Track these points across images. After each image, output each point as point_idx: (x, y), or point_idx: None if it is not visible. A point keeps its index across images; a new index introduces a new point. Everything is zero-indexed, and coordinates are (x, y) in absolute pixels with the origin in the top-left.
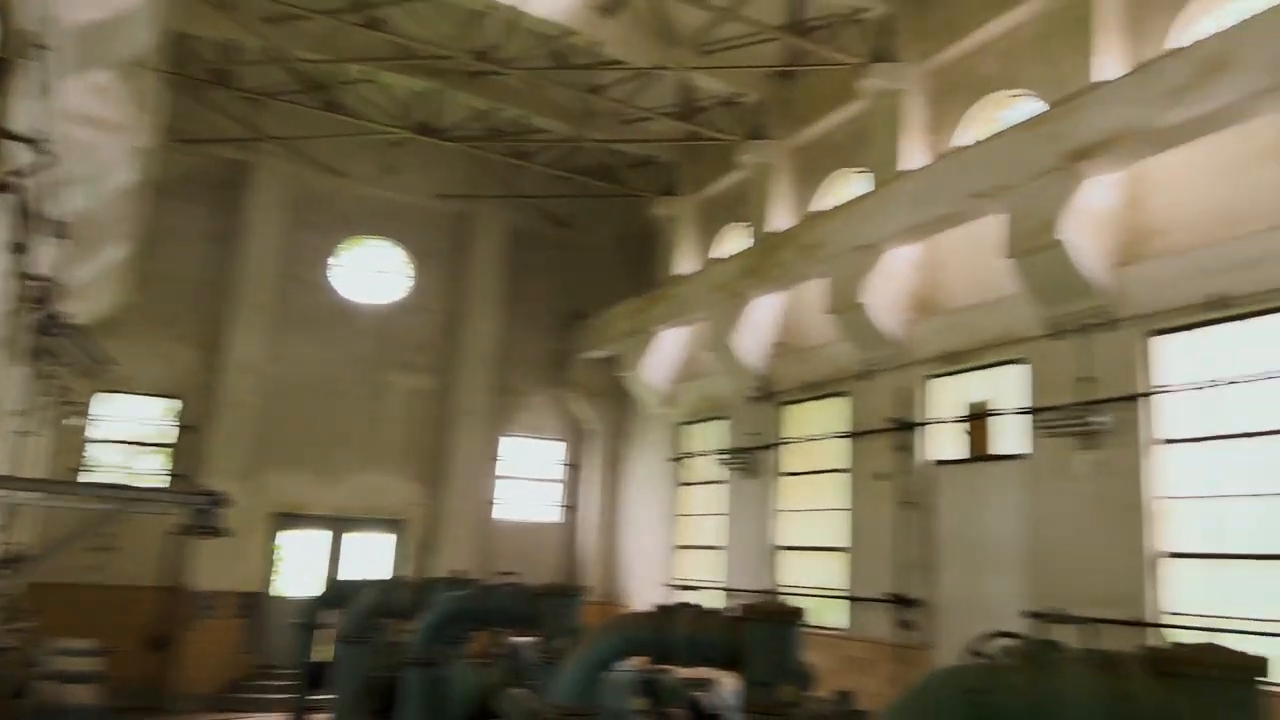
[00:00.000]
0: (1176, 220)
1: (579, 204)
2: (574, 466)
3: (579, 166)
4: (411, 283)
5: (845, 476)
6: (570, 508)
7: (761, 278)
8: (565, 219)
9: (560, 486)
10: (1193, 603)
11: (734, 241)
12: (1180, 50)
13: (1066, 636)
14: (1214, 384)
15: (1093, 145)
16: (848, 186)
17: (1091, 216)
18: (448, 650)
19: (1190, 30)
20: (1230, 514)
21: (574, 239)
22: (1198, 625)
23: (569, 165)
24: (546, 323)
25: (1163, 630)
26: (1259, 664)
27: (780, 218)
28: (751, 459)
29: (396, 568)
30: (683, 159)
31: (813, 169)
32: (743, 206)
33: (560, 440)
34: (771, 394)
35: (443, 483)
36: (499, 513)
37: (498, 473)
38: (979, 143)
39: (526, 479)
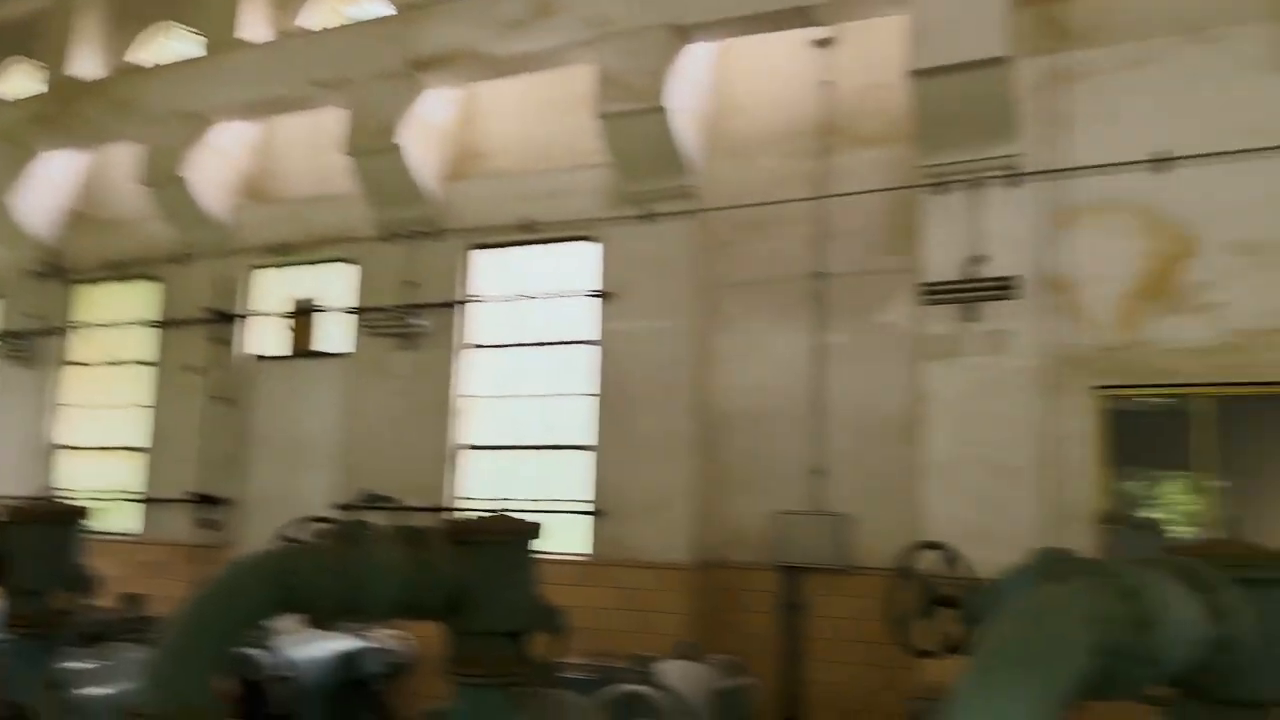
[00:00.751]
0: (500, 145)
1: None
2: None
3: None
4: None
5: (149, 369)
6: None
7: (57, 129)
8: None
9: None
10: (486, 488)
11: (19, 80)
12: None
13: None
14: (518, 297)
15: (434, 58)
16: (174, 44)
17: (429, 128)
18: None
19: None
20: (520, 410)
21: None
22: (490, 508)
23: None
24: None
25: (460, 513)
26: (533, 529)
27: (86, 63)
28: (29, 345)
29: None
30: None
31: (132, 15)
32: (34, 40)
33: None
34: (62, 270)
35: None
36: None
37: None
38: (326, 30)
39: None
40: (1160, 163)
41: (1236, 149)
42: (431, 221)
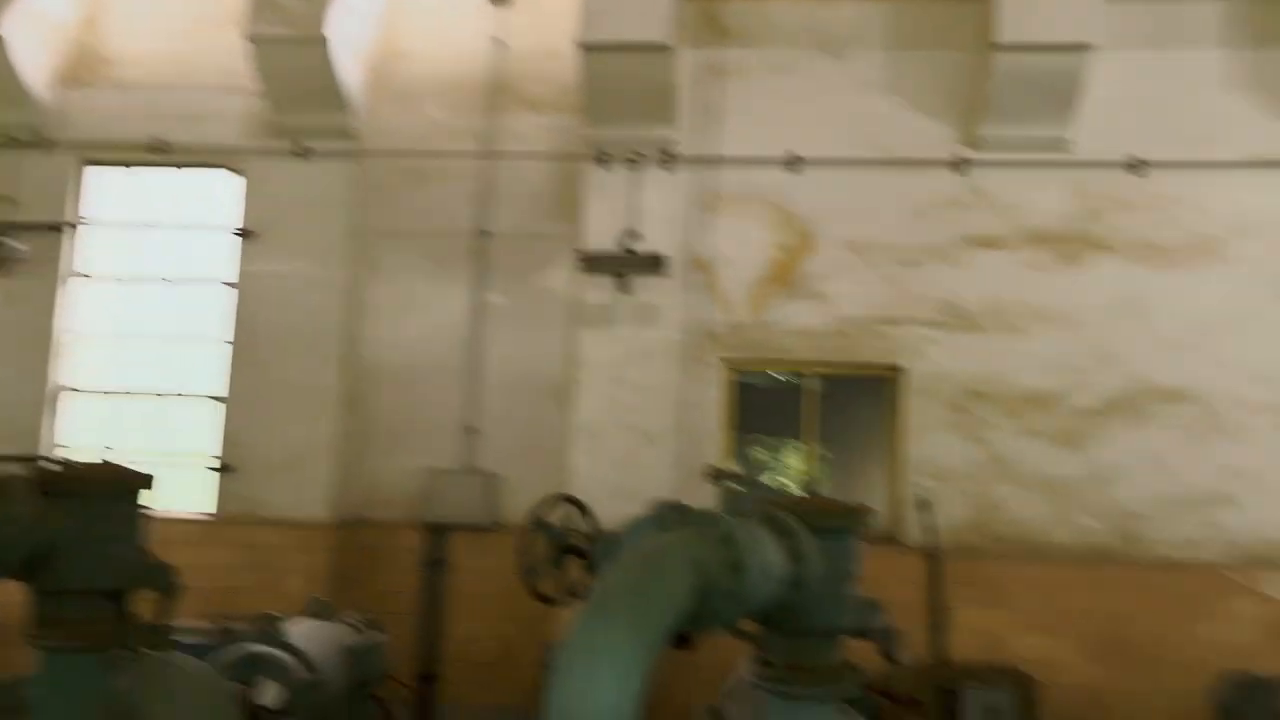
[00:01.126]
0: (131, 54)
1: None
2: None
3: None
4: None
5: None
6: None
7: None
8: None
9: None
10: (94, 437)
11: None
12: None
13: None
14: (143, 226)
15: None
16: None
17: (40, 20)
18: None
19: None
20: (138, 352)
21: None
22: (95, 458)
23: None
24: None
25: (57, 462)
26: (143, 480)
27: None
28: None
29: None
30: None
31: None
32: None
33: None
34: None
35: None
36: None
37: None
38: None
39: None
40: (791, 163)
41: (852, 158)
42: (36, 130)
